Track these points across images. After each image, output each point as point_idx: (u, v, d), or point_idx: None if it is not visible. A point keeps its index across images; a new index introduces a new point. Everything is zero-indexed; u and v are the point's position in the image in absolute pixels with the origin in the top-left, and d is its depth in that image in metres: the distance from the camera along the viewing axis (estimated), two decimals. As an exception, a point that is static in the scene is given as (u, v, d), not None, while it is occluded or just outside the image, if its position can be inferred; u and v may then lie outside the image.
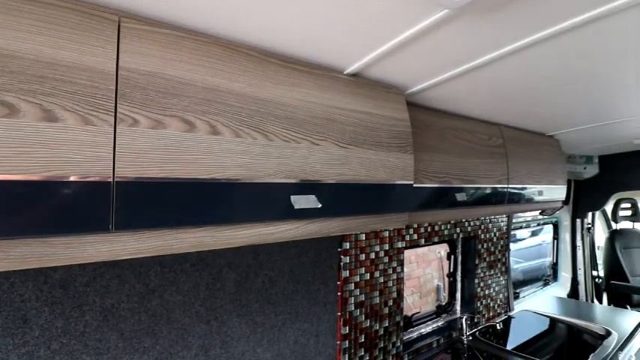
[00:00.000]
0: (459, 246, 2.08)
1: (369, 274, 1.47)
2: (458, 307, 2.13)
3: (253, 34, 0.72)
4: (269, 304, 1.21)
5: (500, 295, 2.32)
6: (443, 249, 3.72)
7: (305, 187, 0.77)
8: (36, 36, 0.52)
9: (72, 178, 0.51)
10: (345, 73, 0.92)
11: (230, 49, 0.72)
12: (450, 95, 1.20)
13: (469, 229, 2.03)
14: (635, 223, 3.25)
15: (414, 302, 3.50)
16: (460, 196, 1.29)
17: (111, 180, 0.54)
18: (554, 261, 3.31)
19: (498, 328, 1.99)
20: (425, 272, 3.67)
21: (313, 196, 0.78)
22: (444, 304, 2.14)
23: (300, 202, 0.76)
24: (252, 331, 1.18)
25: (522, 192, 1.68)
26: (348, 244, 1.40)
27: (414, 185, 1.05)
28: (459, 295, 2.12)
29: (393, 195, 0.96)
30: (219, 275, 1.11)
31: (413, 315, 1.88)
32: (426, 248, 3.32)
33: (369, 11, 0.67)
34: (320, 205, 0.79)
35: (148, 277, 0.99)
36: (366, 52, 0.85)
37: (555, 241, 3.31)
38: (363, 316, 1.45)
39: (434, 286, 3.83)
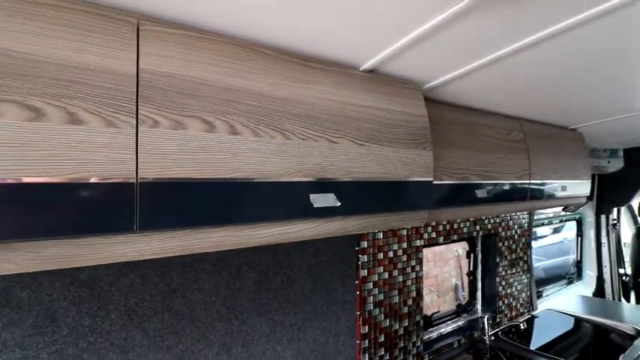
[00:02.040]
0: (479, 244, 2.04)
1: (387, 273, 1.45)
2: (479, 306, 2.08)
3: (269, 33, 0.72)
4: (288, 303, 1.22)
5: (523, 294, 2.26)
6: (461, 247, 3.66)
7: (323, 186, 0.76)
8: (60, 41, 0.53)
9: (97, 180, 0.52)
10: (360, 69, 0.91)
11: (247, 48, 0.72)
12: (468, 89, 1.17)
13: (489, 226, 1.98)
14: (664, 219, 3.10)
15: (432, 301, 3.45)
16: (480, 193, 1.26)
17: (134, 181, 0.55)
18: (578, 259, 3.19)
19: (522, 327, 1.93)
20: (442, 271, 3.61)
21: (332, 194, 0.77)
22: (464, 303, 2.10)
23: (319, 200, 0.75)
24: (272, 330, 1.18)
25: (545, 188, 1.62)
26: (365, 242, 1.39)
27: (434, 182, 1.02)
28: (479, 294, 2.08)
29: (412, 192, 0.94)
30: (239, 274, 1.12)
31: (432, 314, 1.85)
32: (443, 246, 3.26)
33: (384, 6, 0.66)
34: (339, 204, 0.78)
35: (170, 276, 1.00)
36: (382, 48, 0.84)
37: (579, 238, 3.19)
38: (383, 315, 1.43)
39: (452, 285, 3.76)
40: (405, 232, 1.51)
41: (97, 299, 0.90)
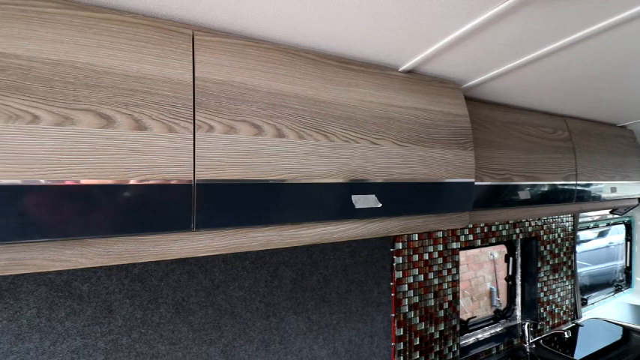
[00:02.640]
0: (518, 247, 1.95)
1: (422, 275, 1.43)
2: (518, 312, 1.99)
3: (311, 38, 0.74)
4: (324, 303, 1.23)
5: (566, 302, 2.13)
6: (496, 250, 3.51)
7: (365, 187, 0.77)
8: (124, 53, 0.57)
9: (159, 182, 0.56)
10: (399, 70, 0.91)
11: (290, 53, 0.74)
12: (511, 87, 1.13)
13: (530, 229, 1.89)
14: None
15: (466, 306, 3.34)
16: (523, 194, 1.21)
17: (192, 183, 0.58)
18: (627, 265, 2.97)
19: (566, 336, 1.83)
20: (476, 275, 3.48)
21: (373, 195, 0.78)
22: (501, 308, 2.02)
23: (361, 201, 0.76)
24: (309, 329, 1.20)
25: (592, 189, 1.53)
26: (400, 244, 1.37)
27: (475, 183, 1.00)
28: (519, 299, 1.99)
29: (454, 194, 0.92)
30: (277, 273, 1.15)
31: (469, 319, 1.79)
32: (477, 249, 3.15)
33: (426, 7, 0.66)
34: (380, 205, 0.78)
35: (213, 273, 1.05)
36: (423, 49, 0.83)
37: (628, 242, 2.97)
38: (418, 318, 1.41)
39: (486, 290, 3.63)
40: (440, 234, 1.48)
41: (148, 293, 0.96)
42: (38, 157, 0.49)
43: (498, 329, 1.88)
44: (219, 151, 0.61)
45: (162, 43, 0.60)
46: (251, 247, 0.67)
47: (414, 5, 0.65)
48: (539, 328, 1.94)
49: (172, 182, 0.57)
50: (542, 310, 1.98)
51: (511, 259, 1.97)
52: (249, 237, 0.66)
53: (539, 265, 1.95)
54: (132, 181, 0.54)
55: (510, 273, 1.99)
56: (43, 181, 0.49)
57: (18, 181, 0.48)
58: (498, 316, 1.95)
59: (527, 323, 1.79)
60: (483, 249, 3.54)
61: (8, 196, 0.48)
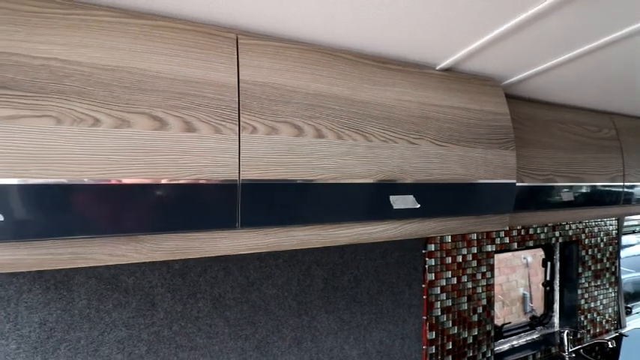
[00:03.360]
0: (557, 251, 1.86)
1: (455, 278, 1.39)
2: (556, 319, 1.90)
3: (348, 38, 0.74)
4: (355, 303, 1.23)
5: (609, 310, 2.01)
6: (530, 254, 3.36)
7: (403, 187, 0.76)
8: (175, 58, 0.60)
9: (207, 182, 0.58)
10: (437, 68, 0.89)
11: (328, 54, 0.74)
12: (553, 84, 1.08)
13: (570, 232, 1.80)
14: None
15: (497, 311, 3.23)
16: (566, 196, 1.15)
17: (237, 182, 0.60)
18: (679, 273, 2.76)
19: (609, 346, 1.72)
20: (509, 279, 3.35)
21: (411, 196, 0.77)
22: (537, 315, 1.93)
23: (399, 202, 0.75)
24: (340, 328, 1.20)
25: (642, 190, 1.43)
26: (432, 245, 1.35)
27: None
28: (557, 306, 1.90)
29: (494, 195, 0.89)
30: (309, 272, 1.16)
31: (503, 325, 1.73)
32: (509, 253, 3.03)
33: (470, 4, 0.64)
34: (418, 206, 0.77)
35: (248, 270, 1.07)
36: (463, 46, 0.81)
37: (679, 248, 2.76)
38: (450, 322, 1.38)
39: (519, 295, 3.48)
40: (475, 236, 1.44)
41: (187, 288, 1.00)
42: (99, 158, 0.53)
43: (535, 336, 1.81)
44: (262, 151, 0.63)
45: (209, 48, 0.62)
46: (291, 245, 0.68)
47: (456, 2, 0.63)
48: (579, 336, 1.85)
49: (219, 182, 0.59)
50: (582, 318, 1.87)
51: (549, 263, 1.88)
52: (290, 236, 0.68)
53: (580, 270, 1.85)
54: (182, 181, 0.56)
55: (548, 278, 1.90)
56: (103, 181, 0.52)
57: (83, 180, 0.51)
58: (534, 322, 1.87)
59: (566, 331, 1.70)
60: (517, 252, 3.40)
61: (72, 195, 0.52)
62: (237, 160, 0.60)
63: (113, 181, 0.53)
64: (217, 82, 0.61)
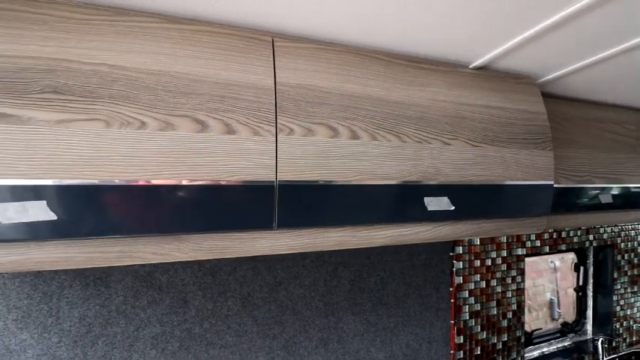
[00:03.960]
0: (591, 256, 1.78)
1: (484, 282, 1.36)
2: (589, 327, 1.82)
3: (381, 38, 0.73)
4: (381, 305, 1.22)
5: (647, 318, 1.91)
6: (558, 258, 3.24)
7: (438, 189, 0.75)
8: (214, 62, 0.61)
9: (246, 183, 0.59)
10: (470, 67, 0.87)
11: (362, 55, 0.74)
12: (592, 82, 1.04)
13: (605, 236, 1.72)
14: None
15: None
16: (605, 198, 1.10)
17: (274, 183, 0.61)
18: None
19: (648, 357, 1.64)
20: (535, 283, 3.24)
21: (446, 197, 0.75)
22: (569, 321, 1.86)
23: (433, 203, 0.74)
24: (366, 330, 1.20)
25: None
26: (460, 248, 1.32)
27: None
28: (590, 312, 1.82)
29: (530, 197, 0.86)
30: (335, 273, 1.16)
31: (533, 331, 1.67)
32: (536, 256, 2.93)
33: (504, 3, 0.62)
34: (453, 208, 0.75)
35: (275, 270, 1.08)
36: (497, 45, 0.79)
37: None
38: (479, 326, 1.35)
39: (545, 300, 3.36)
40: (504, 239, 1.40)
41: (218, 286, 1.02)
42: (145, 160, 0.54)
43: (566, 343, 1.74)
44: (299, 152, 0.63)
45: (246, 51, 0.63)
46: (325, 246, 0.68)
47: (492, 1, 0.62)
48: (614, 345, 1.76)
49: (257, 183, 0.60)
50: (617, 326, 1.79)
51: (582, 267, 1.81)
52: (324, 237, 0.68)
53: (616, 275, 1.76)
54: (223, 182, 0.58)
55: (581, 283, 1.82)
56: (148, 182, 0.54)
57: (130, 181, 0.53)
58: (566, 329, 1.80)
59: (601, 339, 1.63)
60: (543, 256, 3.28)
61: (120, 195, 0.53)
62: (275, 162, 0.61)
63: (158, 182, 0.55)
64: (255, 85, 0.62)
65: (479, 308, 1.35)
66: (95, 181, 0.52)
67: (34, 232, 0.50)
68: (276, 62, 0.64)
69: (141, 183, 0.54)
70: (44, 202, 0.50)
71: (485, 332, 1.36)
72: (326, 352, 1.14)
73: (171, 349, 0.97)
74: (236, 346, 1.04)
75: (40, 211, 0.50)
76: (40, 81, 0.51)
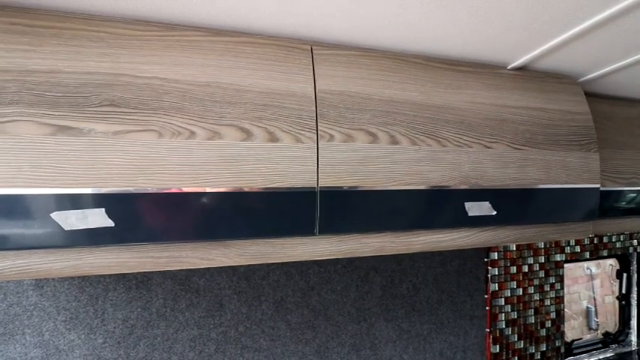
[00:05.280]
0: (634, 262, 1.69)
1: (521, 289, 1.31)
2: (633, 337, 1.72)
3: (418, 42, 0.73)
4: (414, 312, 1.20)
5: (700, 330, 1.78)
6: (594, 264, 3.08)
7: (479, 194, 0.73)
8: (257, 71, 0.63)
9: (289, 189, 0.60)
10: (508, 67, 0.85)
11: (399, 59, 0.74)
12: (636, 79, 0.99)
13: (650, 241, 1.63)
14: None
15: (558, 325, 2.98)
16: (654, 201, 1.04)
17: (316, 189, 0.61)
18: None
19: (703, 372, 1.52)
20: (569, 291, 3.09)
21: (487, 202, 0.73)
22: (611, 331, 1.76)
23: (474, 209, 0.72)
24: (399, 337, 1.18)
25: None
26: (495, 254, 1.28)
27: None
28: (634, 322, 1.72)
29: (575, 201, 0.83)
30: (367, 278, 1.15)
31: (573, 341, 1.60)
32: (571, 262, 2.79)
33: (545, 3, 0.60)
34: (494, 213, 0.74)
35: (308, 275, 1.09)
36: (537, 45, 0.77)
37: None
38: (516, 335, 1.30)
39: (582, 309, 3.20)
40: (542, 245, 1.34)
41: (252, 290, 1.04)
42: (194, 168, 0.56)
43: (608, 355, 1.65)
44: (339, 159, 0.63)
45: (287, 60, 0.65)
46: (364, 252, 0.68)
47: (532, 1, 0.60)
48: (663, 358, 1.65)
49: (300, 189, 0.60)
50: (666, 338, 1.68)
51: (625, 275, 1.71)
52: (363, 243, 0.68)
53: (663, 284, 1.66)
54: (267, 189, 0.59)
55: (624, 291, 1.72)
56: (198, 189, 0.56)
57: (181, 189, 0.55)
58: (608, 340, 1.71)
59: (648, 351, 1.53)
60: (578, 262, 3.12)
61: (171, 202, 0.56)
62: (316, 168, 0.61)
63: (207, 190, 0.56)
64: (297, 93, 0.63)
65: (515, 316, 1.30)
66: (148, 189, 0.54)
67: (93, 238, 0.53)
68: (315, 70, 0.65)
69: (190, 190, 0.56)
70: (103, 209, 0.52)
71: (522, 341, 1.31)
72: (358, 358, 1.13)
73: (208, 351, 0.99)
74: (270, 350, 1.05)
75: (99, 218, 0.52)
76: (98, 95, 0.54)
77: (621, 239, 1.54)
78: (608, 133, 1.01)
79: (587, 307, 3.38)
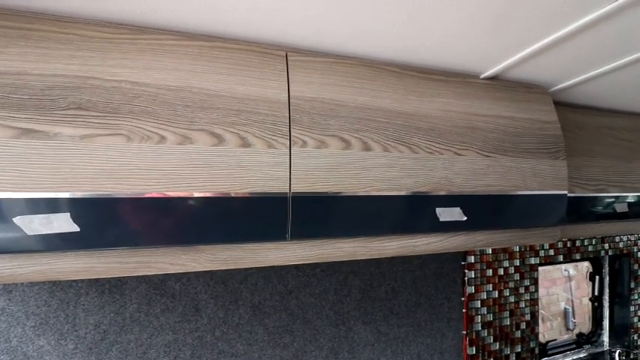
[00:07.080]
0: (606, 265, 1.75)
1: (497, 291, 1.34)
2: (605, 338, 1.78)
3: (393, 50, 0.74)
4: (392, 315, 1.21)
5: (667, 330, 1.85)
6: (572, 267, 3.18)
7: (450, 199, 0.75)
8: (231, 77, 0.63)
9: (260, 195, 0.60)
10: (481, 77, 0.88)
11: (374, 67, 0.75)
12: (606, 89, 1.03)
13: (620, 244, 1.69)
14: None
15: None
16: (620, 207, 1.08)
17: (288, 195, 0.62)
18: None
19: (669, 371, 1.59)
20: (548, 292, 3.17)
21: (458, 208, 0.75)
22: (585, 332, 1.81)
23: (445, 214, 0.74)
24: (377, 340, 1.19)
25: None
26: (472, 257, 1.31)
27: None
28: (606, 323, 1.78)
29: (544, 207, 0.86)
30: (346, 282, 1.16)
31: (547, 342, 1.64)
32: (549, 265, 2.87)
33: (517, 13, 0.63)
34: (465, 218, 0.75)
35: (286, 278, 1.09)
36: (509, 55, 0.79)
37: None
38: (492, 337, 1.33)
39: (560, 310, 3.28)
40: (517, 248, 1.38)
41: (229, 294, 1.03)
42: (163, 173, 0.56)
43: (582, 355, 1.70)
44: (312, 165, 0.64)
45: (261, 66, 0.65)
46: (337, 257, 0.69)
47: (505, 11, 0.62)
48: (632, 357, 1.71)
49: (271, 195, 0.61)
50: (635, 337, 1.74)
51: (597, 277, 1.77)
52: (336, 248, 0.68)
53: (633, 285, 1.72)
54: (238, 194, 0.59)
55: (597, 293, 1.78)
56: (166, 194, 0.56)
57: (150, 194, 0.55)
58: (581, 340, 1.76)
59: (618, 351, 1.59)
60: (556, 264, 3.21)
61: (139, 207, 0.55)
62: (288, 174, 0.62)
63: (176, 194, 0.56)
64: (270, 99, 0.63)
65: (491, 318, 1.33)
66: (116, 194, 0.54)
67: (58, 243, 0.52)
68: (290, 76, 0.66)
69: (159, 195, 0.56)
70: (68, 214, 0.52)
71: (498, 343, 1.34)
72: (336, 361, 1.14)
73: (184, 356, 0.98)
74: (247, 354, 1.04)
75: (64, 223, 0.51)
76: (65, 98, 0.53)
77: (593, 243, 1.60)
78: (579, 142, 1.05)
79: (565, 309, 3.47)
